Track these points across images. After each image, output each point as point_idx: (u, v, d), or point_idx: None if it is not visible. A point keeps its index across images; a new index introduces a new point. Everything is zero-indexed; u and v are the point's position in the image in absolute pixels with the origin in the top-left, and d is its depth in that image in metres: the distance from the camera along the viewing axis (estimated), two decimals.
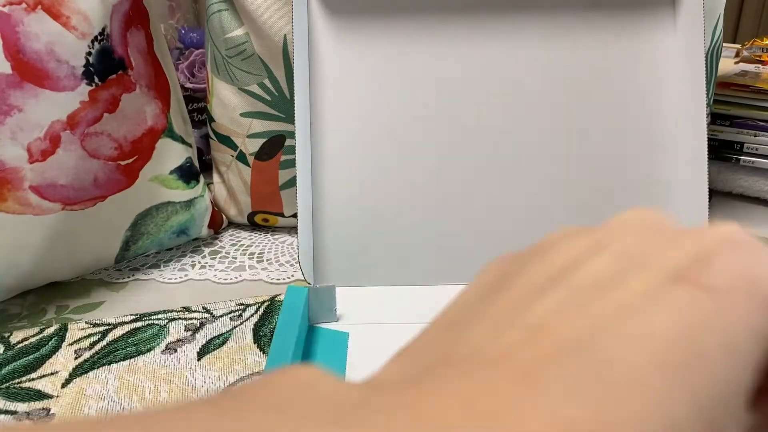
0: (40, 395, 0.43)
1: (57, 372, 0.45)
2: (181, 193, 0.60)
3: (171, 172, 0.59)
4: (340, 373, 0.43)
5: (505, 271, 0.18)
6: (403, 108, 0.50)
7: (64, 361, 0.46)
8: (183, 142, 0.60)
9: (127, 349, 0.48)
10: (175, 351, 0.47)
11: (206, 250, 0.64)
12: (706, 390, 0.13)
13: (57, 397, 0.43)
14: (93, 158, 0.52)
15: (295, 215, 0.65)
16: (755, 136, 0.69)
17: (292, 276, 0.60)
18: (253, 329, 0.50)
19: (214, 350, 0.47)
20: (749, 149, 0.69)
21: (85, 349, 0.48)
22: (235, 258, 0.63)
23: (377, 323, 0.47)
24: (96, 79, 0.50)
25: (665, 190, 0.50)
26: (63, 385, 0.44)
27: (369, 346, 0.44)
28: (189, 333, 0.49)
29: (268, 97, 0.60)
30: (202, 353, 0.47)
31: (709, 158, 0.50)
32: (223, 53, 0.60)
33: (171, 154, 0.59)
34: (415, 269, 0.50)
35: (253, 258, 0.63)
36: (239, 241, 0.66)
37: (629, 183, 0.51)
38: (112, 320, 0.51)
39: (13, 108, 0.47)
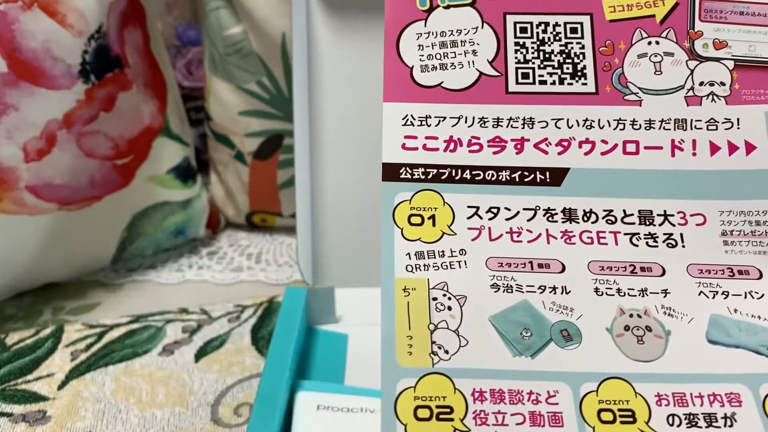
0: (36, 397, 0.42)
1: (53, 374, 0.45)
2: (178, 192, 0.60)
3: (168, 172, 0.58)
4: (339, 376, 0.43)
5: None
6: None
7: (60, 362, 0.46)
8: (180, 141, 0.60)
9: (124, 350, 0.47)
10: (173, 353, 0.47)
11: (204, 251, 0.64)
12: None
13: (53, 399, 0.42)
14: (89, 157, 0.52)
15: (293, 215, 0.64)
16: None
17: (291, 277, 0.59)
18: (252, 331, 0.49)
19: (211, 352, 0.47)
20: None
21: (82, 350, 0.47)
22: (233, 259, 0.63)
23: (377, 325, 0.46)
24: (92, 78, 0.50)
25: None
26: (59, 387, 0.43)
27: (368, 348, 0.44)
28: (186, 335, 0.49)
29: (267, 96, 0.60)
30: (199, 355, 0.47)
31: None
32: (221, 51, 0.59)
33: (168, 154, 0.58)
34: None
35: (251, 259, 0.62)
36: (237, 241, 0.66)
37: None
38: (108, 322, 0.51)
39: (9, 107, 0.46)
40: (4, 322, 0.52)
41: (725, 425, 0.24)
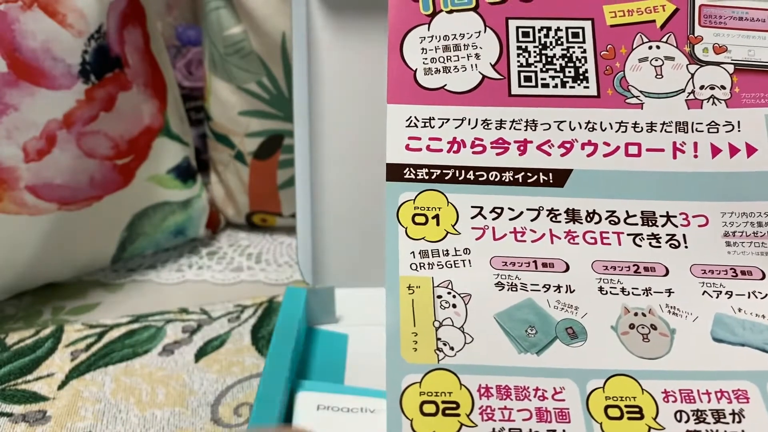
0: (36, 397, 0.42)
1: (53, 374, 0.45)
2: (178, 192, 0.60)
3: (168, 172, 0.58)
4: (339, 376, 0.43)
5: None
6: None
7: (60, 362, 0.46)
8: (180, 141, 0.60)
9: (124, 350, 0.47)
10: (172, 353, 0.47)
11: (204, 251, 0.64)
12: None
13: (53, 399, 0.42)
14: (89, 157, 0.52)
15: (293, 215, 0.64)
16: None
17: (291, 277, 0.59)
18: (251, 331, 0.49)
19: (211, 352, 0.47)
20: None
21: (82, 350, 0.47)
22: (233, 259, 0.63)
23: (377, 325, 0.46)
24: (92, 78, 0.50)
25: None
26: (59, 387, 0.43)
27: (368, 348, 0.44)
28: (186, 335, 0.49)
29: (267, 96, 0.60)
30: (199, 355, 0.47)
31: None
32: (221, 51, 0.59)
33: (168, 154, 0.58)
34: None
35: (251, 259, 0.62)
36: (237, 241, 0.66)
37: None
38: (108, 321, 0.51)
39: (9, 107, 0.46)
40: (4, 322, 0.52)
41: (733, 421, 0.24)
